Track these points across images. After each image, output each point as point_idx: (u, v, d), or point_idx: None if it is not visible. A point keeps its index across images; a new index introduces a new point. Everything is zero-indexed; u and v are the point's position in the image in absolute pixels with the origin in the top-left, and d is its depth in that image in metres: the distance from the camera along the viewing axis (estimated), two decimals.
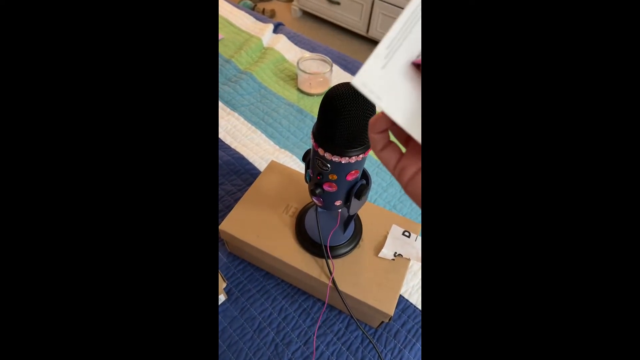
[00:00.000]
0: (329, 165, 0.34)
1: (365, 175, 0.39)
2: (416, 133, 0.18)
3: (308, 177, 0.41)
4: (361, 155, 0.34)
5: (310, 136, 0.35)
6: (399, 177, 0.20)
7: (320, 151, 0.34)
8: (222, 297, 0.49)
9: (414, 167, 0.19)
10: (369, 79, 0.18)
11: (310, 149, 0.41)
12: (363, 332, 0.48)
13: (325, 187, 0.37)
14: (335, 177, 0.36)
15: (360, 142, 0.33)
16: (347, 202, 0.40)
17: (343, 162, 0.33)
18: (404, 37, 0.17)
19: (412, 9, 0.17)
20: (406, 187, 0.20)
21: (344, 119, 0.31)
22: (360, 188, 0.38)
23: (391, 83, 0.18)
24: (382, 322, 0.47)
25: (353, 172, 0.36)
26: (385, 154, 0.20)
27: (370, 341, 0.47)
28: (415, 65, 0.18)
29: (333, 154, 0.33)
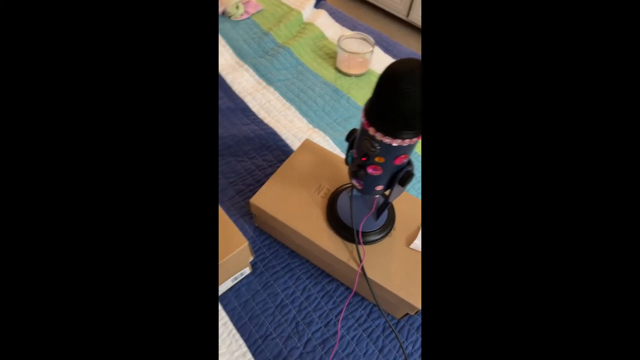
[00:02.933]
0: (378, 146, 0.33)
1: (409, 163, 0.37)
2: None
3: (350, 158, 0.39)
4: (414, 139, 0.32)
5: (362, 114, 0.33)
6: None
7: (371, 130, 0.32)
8: (247, 270, 0.49)
9: None
10: None
11: (354, 129, 0.39)
12: (387, 322, 0.47)
13: (369, 170, 0.36)
14: (382, 159, 0.34)
15: (415, 124, 0.31)
16: (388, 188, 0.38)
17: (394, 144, 0.32)
18: None
19: None
20: None
21: (403, 98, 0.29)
22: (406, 174, 0.36)
23: None
24: (407, 314, 0.46)
25: (402, 156, 0.34)
26: None
27: (392, 330, 0.46)
28: None
29: (385, 134, 0.31)
